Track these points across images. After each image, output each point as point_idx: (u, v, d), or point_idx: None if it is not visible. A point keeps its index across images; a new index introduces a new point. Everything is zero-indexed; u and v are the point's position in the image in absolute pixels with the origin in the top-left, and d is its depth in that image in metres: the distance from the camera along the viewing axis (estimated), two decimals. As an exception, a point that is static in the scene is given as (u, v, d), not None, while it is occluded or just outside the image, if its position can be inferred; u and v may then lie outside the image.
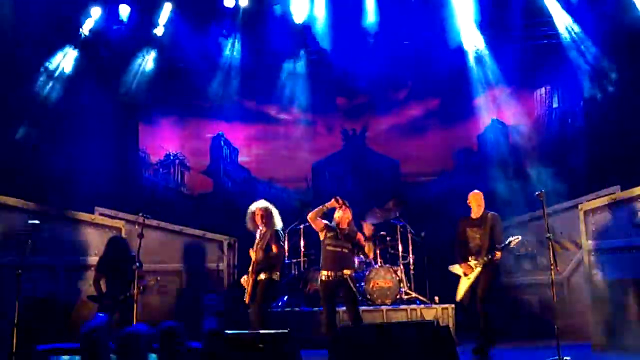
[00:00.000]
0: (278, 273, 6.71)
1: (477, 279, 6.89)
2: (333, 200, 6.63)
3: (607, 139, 9.31)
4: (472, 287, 6.92)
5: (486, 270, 6.87)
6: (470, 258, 6.98)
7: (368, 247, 6.86)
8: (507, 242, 6.83)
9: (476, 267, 6.89)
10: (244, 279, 6.75)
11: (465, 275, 6.96)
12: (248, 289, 6.61)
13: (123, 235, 8.05)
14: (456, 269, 7.12)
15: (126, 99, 10.63)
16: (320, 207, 6.66)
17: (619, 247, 7.26)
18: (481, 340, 6.77)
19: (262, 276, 6.60)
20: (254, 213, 6.85)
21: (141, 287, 6.76)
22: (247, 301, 6.65)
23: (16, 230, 7.33)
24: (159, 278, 7.22)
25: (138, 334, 3.98)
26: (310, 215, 6.68)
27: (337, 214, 6.68)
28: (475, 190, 7.23)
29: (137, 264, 6.77)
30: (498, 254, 6.82)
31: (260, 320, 6.50)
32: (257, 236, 6.79)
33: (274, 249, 6.64)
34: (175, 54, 11.07)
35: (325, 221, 6.75)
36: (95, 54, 10.12)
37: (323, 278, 6.59)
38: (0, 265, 7.34)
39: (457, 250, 7.16)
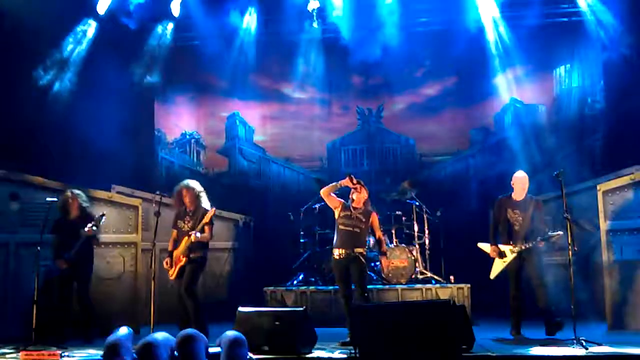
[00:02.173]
0: (205, 252, 6.86)
1: (518, 264, 6.76)
2: (347, 178, 6.61)
3: (627, 118, 9.16)
4: (512, 271, 6.81)
5: (530, 255, 6.72)
6: (510, 242, 6.81)
7: (381, 241, 6.91)
8: (547, 236, 6.64)
9: (512, 252, 6.76)
10: (167, 262, 6.80)
11: (501, 257, 6.83)
12: (177, 266, 6.69)
13: (140, 213, 8.09)
14: (485, 247, 6.99)
15: (142, 78, 10.63)
16: (334, 184, 6.69)
17: (637, 228, 7.21)
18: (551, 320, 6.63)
19: (193, 256, 6.71)
20: (180, 193, 6.88)
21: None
22: (173, 277, 6.76)
23: (35, 208, 7.42)
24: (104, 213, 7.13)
25: (157, 344, 3.99)
26: (323, 191, 6.71)
27: (353, 195, 6.69)
28: (520, 171, 6.98)
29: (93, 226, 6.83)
30: (541, 244, 6.70)
31: (195, 299, 6.64)
32: (187, 216, 6.84)
33: (207, 230, 6.72)
34: (190, 32, 11.04)
35: (340, 199, 6.76)
36: (111, 32, 10.09)
37: (335, 257, 6.64)
38: (20, 243, 7.46)
39: (494, 230, 6.96)
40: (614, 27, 9.56)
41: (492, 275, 6.93)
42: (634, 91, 9.14)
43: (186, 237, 6.70)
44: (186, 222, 6.83)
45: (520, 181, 6.87)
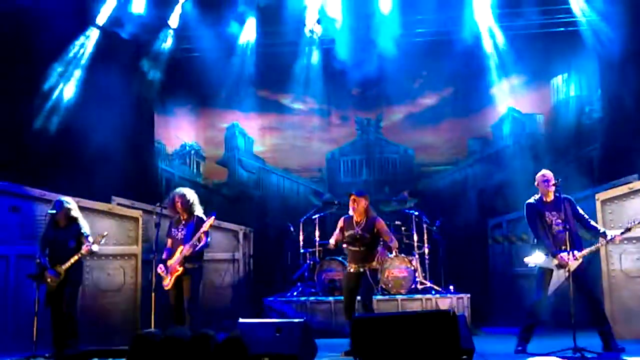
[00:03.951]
0: (201, 261, 6.83)
1: (575, 272, 6.05)
2: (341, 221, 6.72)
3: (625, 127, 9.22)
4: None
5: (584, 264, 6.15)
6: (562, 247, 6.09)
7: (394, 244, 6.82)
8: (629, 226, 6.06)
9: (576, 259, 6.05)
10: (161, 268, 6.67)
11: (562, 267, 6.06)
12: (172, 276, 6.59)
13: (140, 225, 8.10)
14: (538, 259, 6.27)
15: (141, 89, 10.68)
16: (334, 239, 6.72)
17: (635, 237, 7.23)
18: (607, 335, 6.10)
19: (191, 265, 6.63)
20: (173, 200, 6.82)
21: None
22: (169, 287, 6.64)
23: (35, 220, 7.43)
24: (106, 233, 6.93)
25: (182, 339, 3.96)
26: (332, 245, 6.77)
27: (351, 211, 6.72)
28: (543, 170, 6.45)
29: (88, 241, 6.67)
30: (619, 238, 6.14)
31: (197, 310, 6.61)
32: (181, 224, 6.78)
33: (202, 237, 6.64)
34: (189, 44, 11.10)
35: (338, 231, 6.73)
36: (110, 44, 10.16)
37: (347, 271, 6.75)
38: (20, 255, 7.47)
39: (547, 238, 6.19)
40: (610, 36, 9.62)
41: (550, 292, 6.19)
42: (631, 100, 9.20)
43: (181, 246, 6.62)
44: (180, 230, 6.77)
45: (542, 179, 6.31)
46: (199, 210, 6.83)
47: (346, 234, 6.66)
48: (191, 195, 6.86)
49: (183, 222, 6.80)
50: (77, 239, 6.71)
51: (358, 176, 11.77)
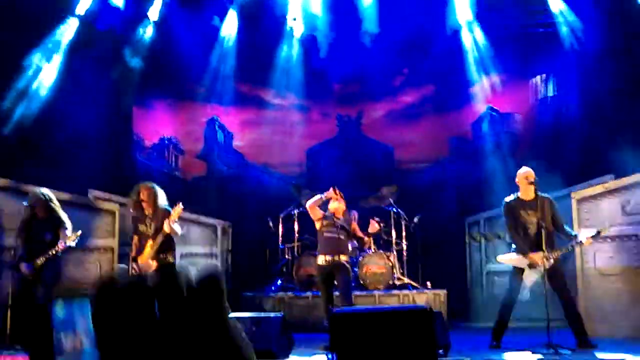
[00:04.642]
0: (174, 254, 6.65)
1: (549, 272, 6.03)
2: (331, 190, 6.68)
3: (602, 128, 9.35)
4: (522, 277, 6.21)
5: (558, 264, 6.20)
6: (536, 249, 6.08)
7: (366, 240, 6.97)
8: (598, 231, 6.21)
9: (547, 259, 6.00)
10: (134, 267, 6.48)
11: (533, 267, 6.12)
12: (149, 272, 6.40)
13: (117, 218, 8.03)
14: (510, 258, 6.36)
15: (120, 82, 10.57)
16: (319, 196, 6.72)
17: (610, 236, 7.33)
18: (580, 332, 6.18)
19: (163, 257, 6.47)
20: (138, 194, 6.60)
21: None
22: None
23: (10, 212, 7.32)
24: (79, 232, 6.73)
25: (144, 279, 3.86)
26: (309, 204, 6.75)
27: (333, 205, 6.74)
28: (524, 167, 6.46)
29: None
30: (588, 242, 6.23)
31: None
32: (147, 218, 6.56)
33: (172, 227, 6.41)
34: (169, 37, 11.00)
35: (322, 211, 6.79)
36: (89, 36, 10.03)
37: (320, 263, 6.65)
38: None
39: (520, 237, 6.24)
40: (588, 38, 9.74)
41: (524, 290, 6.22)
42: (608, 101, 9.33)
43: (150, 241, 6.45)
44: (148, 225, 6.56)
45: (523, 176, 6.29)
46: (163, 202, 6.61)
47: (324, 222, 6.69)
48: (155, 187, 6.67)
49: (149, 217, 6.57)
50: (54, 232, 6.62)
51: (338, 172, 11.76)
